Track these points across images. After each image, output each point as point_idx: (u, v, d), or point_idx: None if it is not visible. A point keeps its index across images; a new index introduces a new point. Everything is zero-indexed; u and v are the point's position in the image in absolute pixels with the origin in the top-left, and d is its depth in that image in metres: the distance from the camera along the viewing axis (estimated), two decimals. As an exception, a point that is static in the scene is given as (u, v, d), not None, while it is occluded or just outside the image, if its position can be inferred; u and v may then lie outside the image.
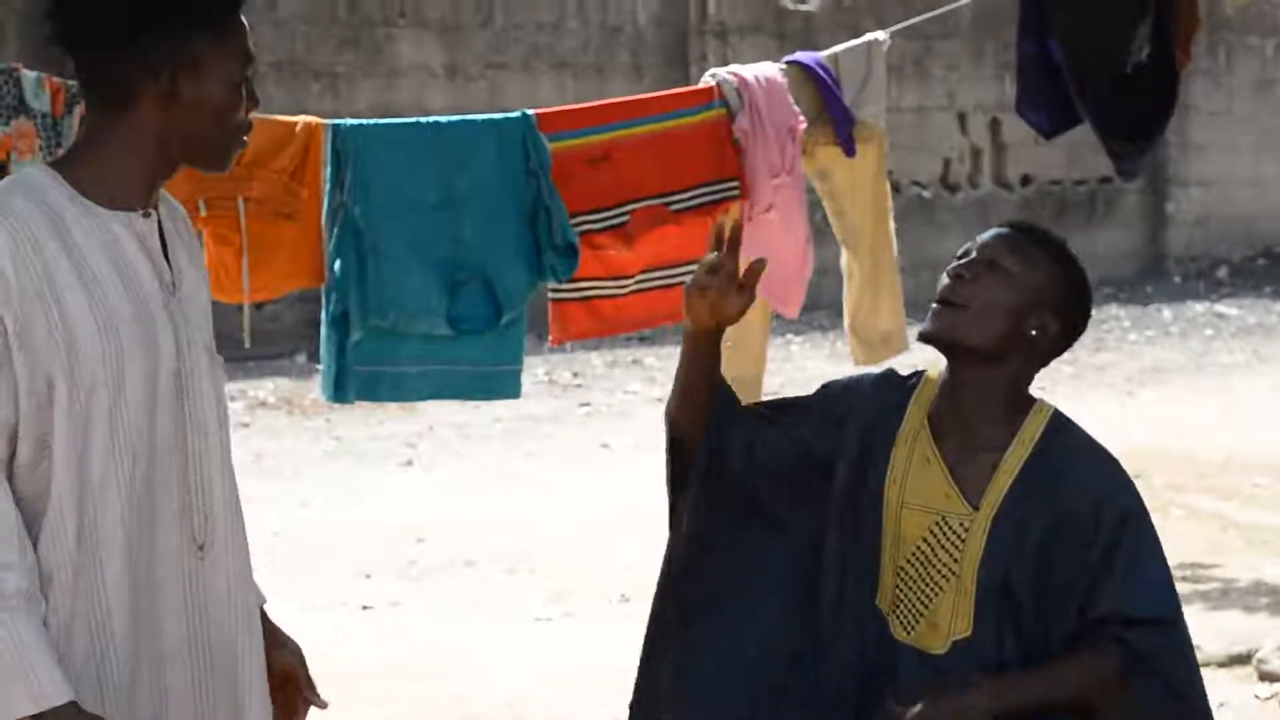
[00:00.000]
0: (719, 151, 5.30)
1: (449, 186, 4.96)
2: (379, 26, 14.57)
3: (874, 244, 5.77)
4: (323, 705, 3.12)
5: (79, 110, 4.60)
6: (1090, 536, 3.23)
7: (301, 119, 4.90)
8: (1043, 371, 3.40)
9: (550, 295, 5.19)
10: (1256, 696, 6.21)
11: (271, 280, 4.93)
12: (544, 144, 5.01)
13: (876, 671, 3.28)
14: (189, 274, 2.92)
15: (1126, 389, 12.78)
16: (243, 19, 2.86)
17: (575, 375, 13.08)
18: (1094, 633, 3.23)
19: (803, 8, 16.06)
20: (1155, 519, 3.36)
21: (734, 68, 5.45)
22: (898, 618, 3.30)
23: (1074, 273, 3.35)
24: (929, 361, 3.44)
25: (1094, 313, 3.46)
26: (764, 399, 3.91)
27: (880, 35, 5.71)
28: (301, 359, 12.90)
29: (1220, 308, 16.57)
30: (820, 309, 12.23)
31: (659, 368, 13.09)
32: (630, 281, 5.24)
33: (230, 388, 9.63)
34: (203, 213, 4.72)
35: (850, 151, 5.61)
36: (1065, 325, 3.33)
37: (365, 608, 7.53)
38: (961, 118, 17.23)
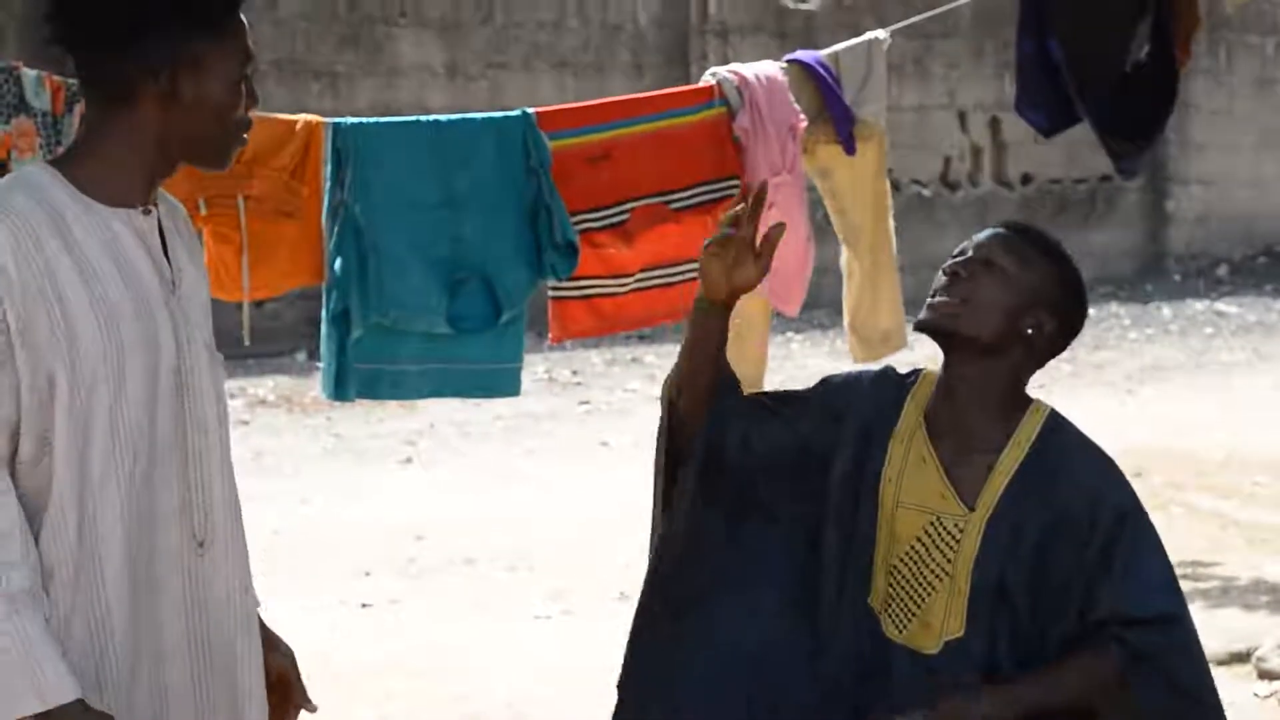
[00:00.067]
0: (719, 150, 5.30)
1: (449, 185, 4.96)
2: (379, 25, 14.57)
3: (874, 242, 5.77)
4: (312, 709, 3.12)
5: (79, 109, 4.60)
6: (1087, 536, 3.23)
7: (302, 117, 4.90)
8: (1041, 370, 3.40)
9: (550, 293, 5.19)
10: (1256, 695, 6.22)
11: (272, 278, 4.93)
12: (544, 142, 5.02)
13: (872, 670, 3.28)
14: (189, 272, 2.92)
15: (1126, 387, 12.77)
16: (242, 17, 2.87)
17: (575, 373, 13.08)
18: (1094, 634, 3.23)
19: (803, 7, 16.05)
20: (1155, 517, 3.36)
21: (734, 66, 5.45)
22: (889, 617, 3.30)
23: (1069, 272, 3.36)
24: (928, 359, 3.44)
25: (1094, 311, 3.48)
26: (766, 390, 3.91)
27: (881, 34, 5.71)
28: (301, 357, 12.90)
29: (1220, 306, 16.56)
30: (820, 307, 12.22)
31: (658, 366, 13.09)
32: (630, 280, 5.24)
33: (230, 385, 9.64)
34: (203, 211, 4.72)
35: (851, 150, 5.61)
36: (1061, 324, 3.34)
37: (365, 606, 7.53)
38: (961, 116, 17.22)
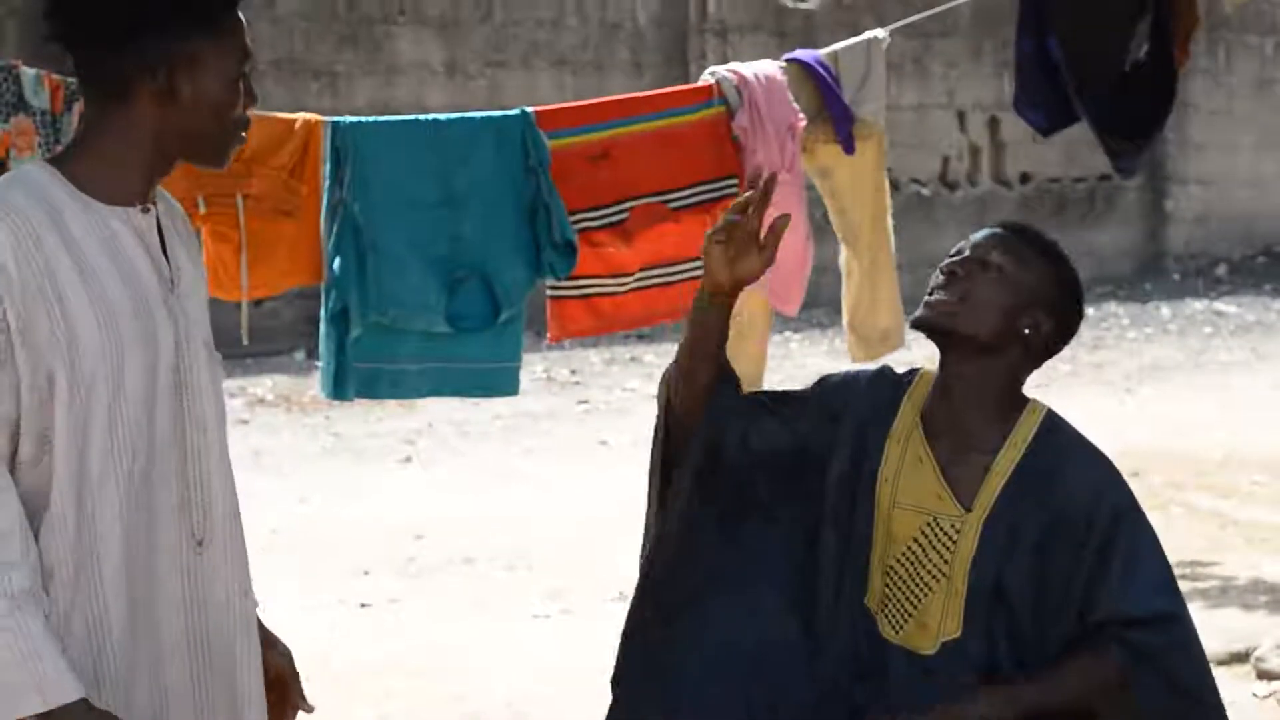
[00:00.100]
0: (718, 149, 5.30)
1: (448, 184, 4.96)
2: (378, 24, 14.56)
3: (873, 241, 5.77)
4: (309, 709, 3.12)
5: (78, 107, 4.60)
6: (1084, 536, 3.23)
7: (301, 116, 4.90)
8: (1040, 370, 3.40)
9: (549, 293, 5.19)
10: (1254, 695, 6.21)
11: (270, 277, 4.93)
12: (543, 141, 5.01)
13: (869, 670, 3.28)
14: (187, 270, 2.92)
15: (1125, 386, 12.77)
16: (240, 16, 2.87)
17: (573, 373, 13.07)
18: (1093, 635, 3.22)
19: (802, 6, 16.03)
20: (1154, 517, 3.35)
21: (733, 65, 5.45)
22: (886, 617, 3.30)
23: (1066, 273, 3.36)
24: (927, 359, 3.44)
25: (1092, 310, 3.49)
26: (764, 389, 3.91)
27: (880, 33, 5.71)
28: (300, 356, 12.90)
29: (1219, 305, 16.56)
30: (819, 306, 12.23)
31: (657, 365, 13.08)
32: (629, 279, 5.24)
33: (229, 384, 9.63)
34: (202, 210, 4.72)
35: (850, 149, 5.61)
36: (1058, 325, 3.34)
37: (364, 605, 7.53)
38: (960, 116, 17.22)
